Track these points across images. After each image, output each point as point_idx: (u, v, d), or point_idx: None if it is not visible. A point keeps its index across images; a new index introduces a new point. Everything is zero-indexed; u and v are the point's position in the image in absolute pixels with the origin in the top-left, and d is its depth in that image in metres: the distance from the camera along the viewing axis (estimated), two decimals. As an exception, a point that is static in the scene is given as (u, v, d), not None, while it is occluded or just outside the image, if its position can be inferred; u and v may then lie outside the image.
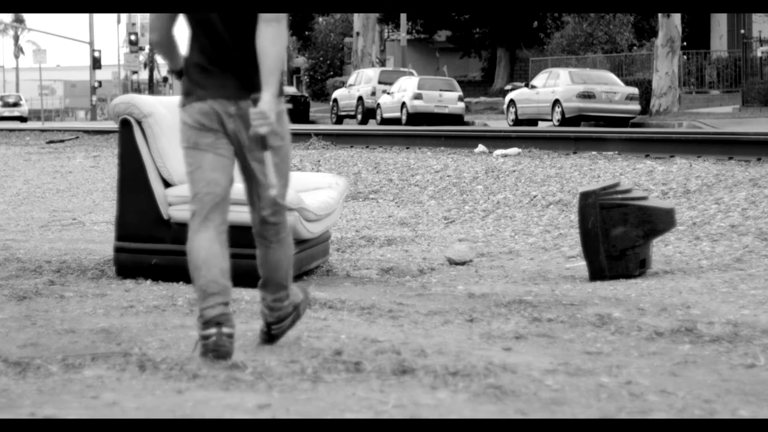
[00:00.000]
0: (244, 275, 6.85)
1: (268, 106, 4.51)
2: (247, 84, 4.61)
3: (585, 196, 7.12)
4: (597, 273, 7.09)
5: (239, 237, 6.90)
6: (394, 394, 3.90)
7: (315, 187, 7.76)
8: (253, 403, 3.77)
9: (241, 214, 6.85)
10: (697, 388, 4.12)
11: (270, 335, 4.85)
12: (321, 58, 64.37)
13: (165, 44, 4.75)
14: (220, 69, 4.66)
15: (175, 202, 6.93)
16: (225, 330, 4.48)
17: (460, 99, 37.05)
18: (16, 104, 69.16)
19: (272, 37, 4.66)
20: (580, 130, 22.94)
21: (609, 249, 7.08)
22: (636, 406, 3.81)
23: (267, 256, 4.91)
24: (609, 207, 7.09)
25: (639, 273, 7.12)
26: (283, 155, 4.80)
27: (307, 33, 63.73)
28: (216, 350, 4.45)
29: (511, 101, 34.87)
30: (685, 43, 38.20)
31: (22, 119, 65.58)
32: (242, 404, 3.76)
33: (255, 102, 4.53)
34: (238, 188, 7.24)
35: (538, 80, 34.27)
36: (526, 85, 35.07)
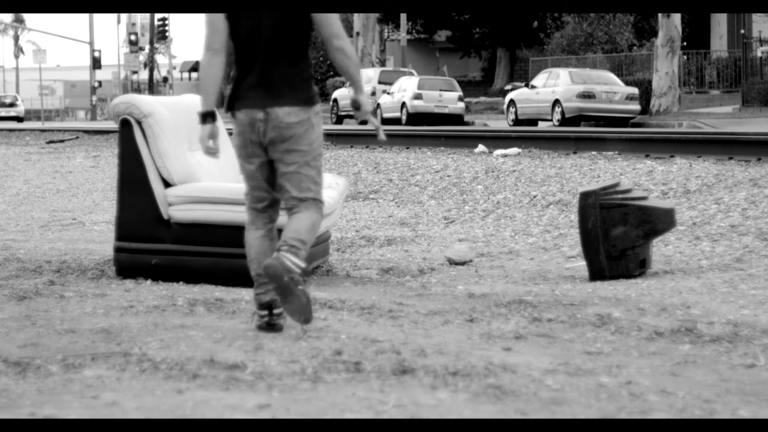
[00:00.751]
0: (244, 275, 6.86)
1: (365, 99, 5.40)
2: (274, 94, 5.22)
3: (585, 196, 7.12)
4: (597, 273, 7.09)
5: (239, 237, 6.90)
6: (394, 394, 3.90)
7: (315, 187, 7.75)
8: (253, 403, 3.77)
9: (242, 215, 6.85)
10: (697, 388, 4.12)
11: (279, 257, 5.11)
12: (321, 58, 64.35)
13: (218, 64, 5.28)
14: (255, 82, 5.24)
15: (175, 202, 6.93)
16: (275, 311, 5.22)
17: (460, 99, 37.05)
18: (12, 104, 69.24)
19: (344, 54, 5.35)
20: (580, 130, 22.94)
21: (609, 249, 7.08)
22: (636, 406, 3.81)
23: (292, 217, 5.29)
24: (609, 207, 7.09)
25: (639, 273, 7.12)
26: (314, 158, 5.32)
27: (307, 33, 63.60)
28: (270, 327, 5.20)
29: (511, 101, 34.87)
30: (685, 43, 38.22)
31: (18, 119, 65.66)
32: (242, 404, 3.76)
33: (355, 102, 5.45)
34: (239, 188, 7.24)
35: (538, 80, 34.27)
36: (526, 85, 35.06)
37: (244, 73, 5.27)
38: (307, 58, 5.37)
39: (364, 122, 5.89)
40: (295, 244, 5.14)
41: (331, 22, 5.29)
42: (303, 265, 5.14)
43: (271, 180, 5.32)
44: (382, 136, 5.52)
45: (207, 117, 5.27)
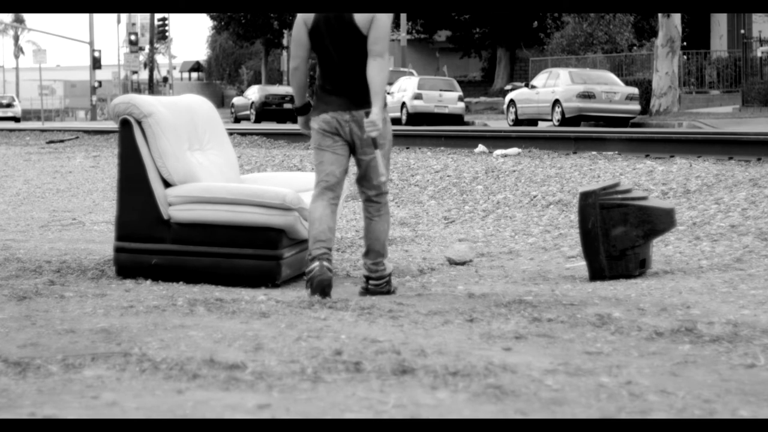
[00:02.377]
0: (244, 275, 6.86)
1: (377, 116, 6.30)
2: (355, 99, 6.42)
3: (585, 196, 7.12)
4: (597, 273, 7.09)
5: (239, 237, 6.91)
6: (394, 394, 3.90)
7: (315, 187, 7.76)
8: (253, 403, 3.77)
9: (242, 215, 6.86)
10: (697, 388, 4.12)
11: (367, 288, 6.60)
12: (321, 59, 64.34)
13: (302, 70, 6.58)
14: (336, 89, 6.46)
15: (175, 202, 6.93)
16: (326, 264, 6.30)
17: (460, 99, 37.05)
18: (9, 105, 69.32)
19: (378, 69, 6.36)
20: (580, 130, 22.93)
21: (609, 249, 7.08)
22: (636, 406, 3.81)
23: (369, 227, 6.60)
24: (609, 207, 7.09)
25: (639, 273, 7.12)
26: (386, 152, 6.53)
27: (307, 33, 63.62)
28: (319, 276, 6.26)
29: (511, 101, 34.87)
30: (685, 43, 38.20)
31: (15, 119, 65.72)
32: (242, 404, 3.76)
33: (368, 114, 6.33)
34: (239, 188, 7.24)
35: (538, 80, 34.27)
36: (526, 85, 35.06)
37: (326, 80, 6.51)
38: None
39: (373, 143, 6.47)
40: (377, 268, 6.58)
41: (378, 42, 6.38)
42: (386, 279, 6.61)
43: (345, 168, 6.54)
44: (380, 178, 6.53)
45: (299, 111, 6.68)
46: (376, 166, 6.48)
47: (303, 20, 6.54)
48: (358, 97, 6.41)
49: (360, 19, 6.40)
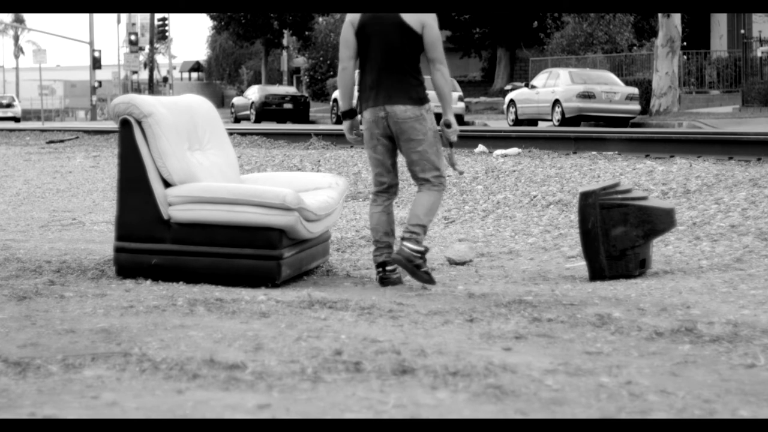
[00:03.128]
0: (244, 275, 6.86)
1: (454, 124, 6.94)
2: (392, 95, 6.80)
3: (585, 196, 7.12)
4: (597, 273, 7.09)
5: (239, 237, 6.90)
6: (394, 394, 3.90)
7: (315, 187, 7.76)
8: (253, 403, 3.77)
9: (242, 215, 6.86)
10: (697, 388, 4.12)
11: (400, 251, 6.84)
12: (321, 58, 64.35)
13: (349, 71, 6.91)
14: (376, 87, 6.84)
15: (175, 202, 6.93)
16: (388, 268, 6.94)
17: (460, 99, 37.04)
18: (9, 105, 69.33)
19: (443, 77, 6.84)
20: (580, 130, 22.93)
21: (609, 249, 7.08)
22: (636, 406, 3.81)
23: (417, 198, 6.99)
24: (609, 207, 7.09)
25: (639, 273, 7.12)
26: (434, 143, 6.94)
27: (307, 33, 63.71)
28: (384, 281, 6.92)
29: (511, 101, 34.86)
30: (685, 43, 38.21)
31: (15, 119, 65.75)
32: (242, 404, 3.76)
33: (447, 124, 6.92)
34: (239, 188, 7.24)
35: (538, 80, 34.26)
36: (526, 85, 35.05)
37: (366, 78, 6.89)
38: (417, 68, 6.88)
39: (450, 144, 6.99)
40: (414, 230, 6.83)
41: (436, 48, 6.78)
42: (421, 249, 6.83)
43: (388, 167, 7.03)
44: (456, 168, 7.06)
45: (345, 115, 7.00)
46: (452, 160, 7.05)
47: (350, 21, 6.88)
48: (393, 93, 6.78)
49: (410, 19, 6.75)
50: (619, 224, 7.09)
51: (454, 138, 6.95)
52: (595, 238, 7.08)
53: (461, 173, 7.23)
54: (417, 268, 6.83)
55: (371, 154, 7.02)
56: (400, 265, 6.82)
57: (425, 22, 6.79)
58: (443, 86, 6.82)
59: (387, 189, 7.06)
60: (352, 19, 6.87)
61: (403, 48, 6.78)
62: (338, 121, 40.51)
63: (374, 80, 6.83)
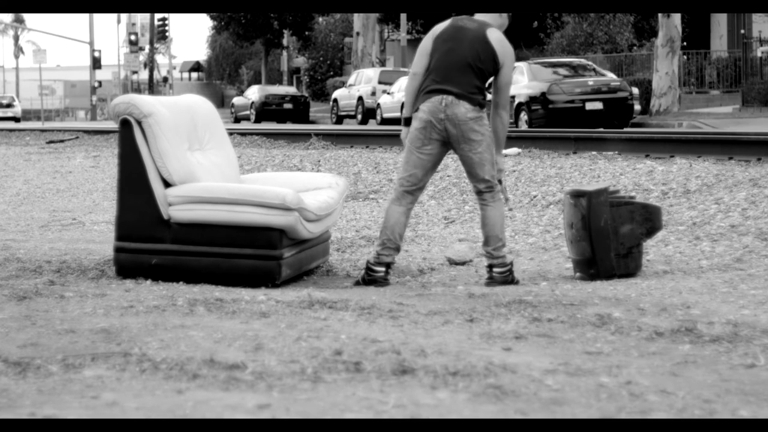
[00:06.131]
0: (244, 275, 6.86)
1: (503, 164, 7.12)
2: (455, 97, 6.89)
3: (597, 194, 7.11)
4: (607, 271, 7.07)
5: (239, 237, 6.90)
6: (394, 394, 3.90)
7: (315, 187, 7.76)
8: (253, 403, 3.77)
9: (242, 215, 6.86)
10: (697, 388, 4.12)
11: (492, 277, 7.00)
12: (321, 58, 64.35)
13: (420, 81, 7.05)
14: (441, 88, 6.95)
15: (175, 202, 6.93)
16: (390, 271, 7.06)
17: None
18: (9, 105, 69.35)
19: (502, 123, 7.06)
20: (580, 130, 22.91)
21: (618, 247, 7.09)
22: (636, 406, 3.81)
23: (484, 214, 7.08)
24: (618, 205, 7.12)
25: (635, 272, 7.14)
26: (485, 151, 7.02)
27: (307, 33, 63.72)
28: (381, 283, 6.95)
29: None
30: (685, 43, 38.19)
31: (15, 119, 65.76)
32: (242, 404, 3.76)
33: (500, 173, 7.09)
34: (239, 188, 7.24)
35: (538, 80, 34.15)
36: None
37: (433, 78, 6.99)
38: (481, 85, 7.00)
39: (499, 181, 7.14)
40: (497, 254, 7.01)
41: (504, 92, 7.02)
42: (508, 266, 7.01)
43: (431, 168, 7.13)
44: (507, 202, 7.25)
45: (407, 121, 7.15)
46: (505, 193, 7.20)
47: (432, 32, 7.10)
48: (457, 95, 6.90)
49: (495, 42, 6.94)
50: (626, 222, 7.11)
51: (501, 177, 7.11)
52: (607, 236, 7.08)
53: (507, 204, 7.43)
54: (511, 282, 7.01)
55: (416, 153, 7.04)
56: (503, 284, 6.96)
57: (506, 59, 6.98)
58: (500, 131, 7.04)
59: (415, 191, 7.12)
60: (434, 31, 7.09)
61: (479, 56, 6.91)
62: (338, 121, 40.54)
63: (438, 80, 6.94)
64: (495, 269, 6.99)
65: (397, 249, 7.07)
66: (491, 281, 6.98)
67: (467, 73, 6.90)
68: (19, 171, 17.32)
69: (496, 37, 6.96)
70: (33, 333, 5.01)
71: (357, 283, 7.04)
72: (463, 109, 6.89)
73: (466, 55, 6.91)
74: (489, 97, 7.18)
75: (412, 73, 7.10)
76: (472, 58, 6.90)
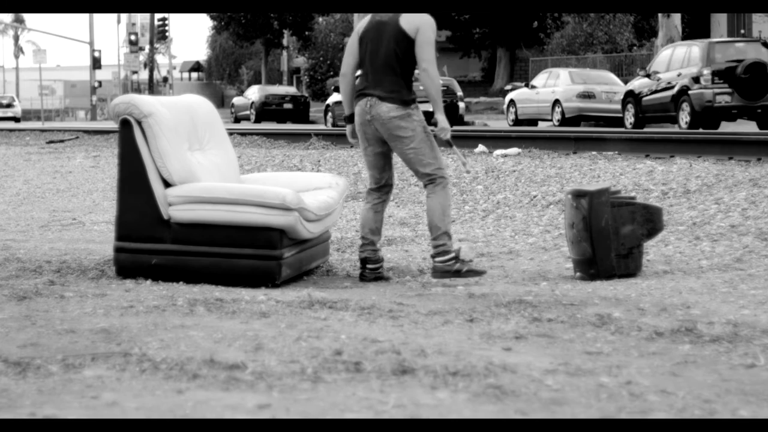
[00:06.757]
0: (244, 275, 6.86)
1: (443, 122, 7.06)
2: (377, 98, 7.01)
3: (598, 195, 7.11)
4: (607, 271, 7.07)
5: (239, 237, 6.90)
6: (394, 394, 3.90)
7: (315, 187, 7.76)
8: (253, 403, 3.77)
9: (242, 215, 6.86)
10: (697, 388, 4.12)
11: (434, 268, 7.05)
12: (321, 58, 64.35)
13: (349, 80, 7.13)
14: (366, 90, 7.08)
15: (175, 202, 6.93)
16: (369, 266, 7.19)
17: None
18: (9, 105, 69.33)
19: (428, 77, 6.94)
20: (580, 130, 22.92)
21: (618, 247, 7.09)
22: (636, 406, 3.81)
23: (427, 204, 7.13)
24: (619, 205, 7.11)
25: (635, 273, 7.13)
26: (427, 141, 7.06)
27: (307, 33, 63.71)
28: (362, 278, 7.15)
29: (511, 101, 34.84)
30: (685, 43, 38.13)
31: (15, 119, 65.77)
32: (242, 404, 3.76)
33: (435, 123, 7.05)
34: (239, 188, 7.24)
35: (538, 80, 34.24)
36: (526, 85, 35.02)
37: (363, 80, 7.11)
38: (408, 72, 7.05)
39: (448, 143, 7.16)
40: (438, 243, 7.00)
41: (423, 49, 6.92)
42: (451, 255, 6.97)
43: (383, 166, 7.29)
44: (464, 167, 7.32)
45: (346, 119, 7.24)
46: (459, 157, 7.35)
47: (356, 30, 7.18)
48: (379, 96, 7.00)
49: (407, 25, 6.95)
50: (627, 222, 7.11)
51: (446, 136, 7.10)
52: (608, 237, 7.08)
53: (468, 172, 7.50)
54: (458, 273, 6.98)
55: (364, 155, 7.31)
56: (441, 280, 6.98)
57: (420, 26, 6.94)
58: (429, 86, 6.93)
59: (379, 188, 7.34)
60: (358, 28, 7.15)
61: (396, 53, 6.97)
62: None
63: (365, 84, 7.07)
64: (435, 258, 7.03)
65: (372, 243, 7.21)
66: (433, 272, 7.05)
67: (388, 73, 6.99)
68: (19, 171, 17.33)
69: (407, 19, 6.98)
70: (33, 333, 5.01)
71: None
72: (386, 108, 6.97)
73: (384, 55, 7.01)
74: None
75: (341, 74, 7.21)
76: (392, 58, 6.99)
